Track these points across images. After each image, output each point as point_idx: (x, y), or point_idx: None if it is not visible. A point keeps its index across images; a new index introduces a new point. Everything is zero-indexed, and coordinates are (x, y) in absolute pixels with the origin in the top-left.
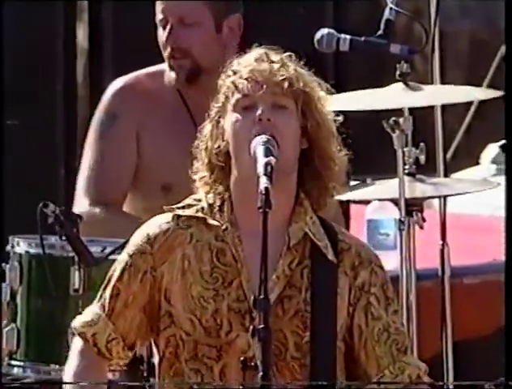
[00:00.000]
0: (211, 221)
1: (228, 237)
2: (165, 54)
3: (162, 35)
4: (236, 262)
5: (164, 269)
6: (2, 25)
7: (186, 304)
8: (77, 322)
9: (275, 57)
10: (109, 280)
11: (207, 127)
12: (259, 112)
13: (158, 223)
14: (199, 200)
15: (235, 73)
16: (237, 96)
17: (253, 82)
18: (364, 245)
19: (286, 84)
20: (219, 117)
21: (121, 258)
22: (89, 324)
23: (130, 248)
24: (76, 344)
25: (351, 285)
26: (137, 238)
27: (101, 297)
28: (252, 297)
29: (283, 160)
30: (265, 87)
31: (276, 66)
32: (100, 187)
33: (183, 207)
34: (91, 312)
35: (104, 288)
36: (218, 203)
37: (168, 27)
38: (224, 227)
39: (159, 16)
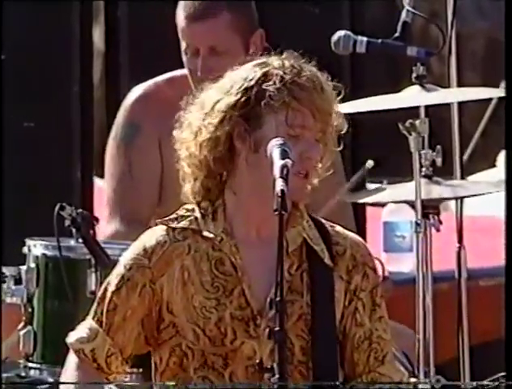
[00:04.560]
0: (205, 233)
1: (225, 247)
2: (196, 81)
3: (190, 62)
4: (236, 270)
5: (163, 281)
6: (2, 25)
7: (189, 315)
8: (72, 338)
9: (326, 86)
10: (105, 294)
11: (218, 117)
12: (309, 153)
13: (154, 236)
14: (192, 210)
15: (291, 92)
16: (291, 121)
17: (308, 112)
18: (359, 245)
19: (331, 123)
20: (248, 116)
21: (118, 272)
22: (87, 340)
23: (127, 262)
24: (72, 361)
25: (346, 289)
26: (133, 252)
27: (96, 311)
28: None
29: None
30: (317, 122)
31: (327, 102)
32: (130, 204)
33: (176, 219)
34: (85, 327)
35: (99, 303)
36: (210, 211)
37: (201, 58)
38: (219, 238)
39: (184, 44)
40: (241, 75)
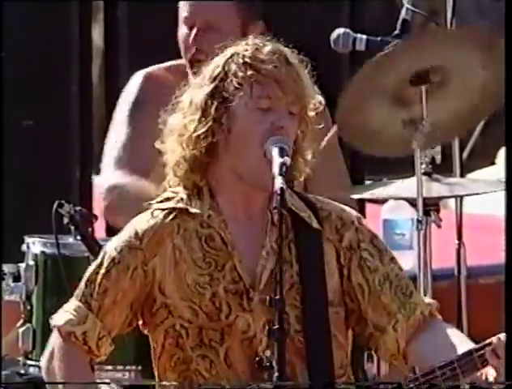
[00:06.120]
0: (192, 210)
1: (214, 223)
2: (188, 56)
3: (185, 34)
4: (226, 245)
5: (155, 262)
6: (2, 25)
7: (183, 293)
8: (60, 320)
9: (292, 58)
10: (94, 277)
11: (197, 111)
12: (281, 123)
13: (143, 219)
14: (177, 192)
15: (252, 66)
16: (258, 94)
17: (274, 84)
18: (344, 209)
19: (302, 97)
20: (221, 102)
21: (108, 255)
22: (77, 323)
23: (118, 244)
24: (58, 344)
25: (337, 248)
26: (124, 235)
27: (84, 293)
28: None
29: None
30: (286, 94)
31: (295, 73)
32: (134, 159)
33: (161, 202)
34: (72, 309)
35: (87, 285)
36: (195, 191)
37: (195, 30)
38: (207, 214)
39: (184, 14)
40: (210, 66)
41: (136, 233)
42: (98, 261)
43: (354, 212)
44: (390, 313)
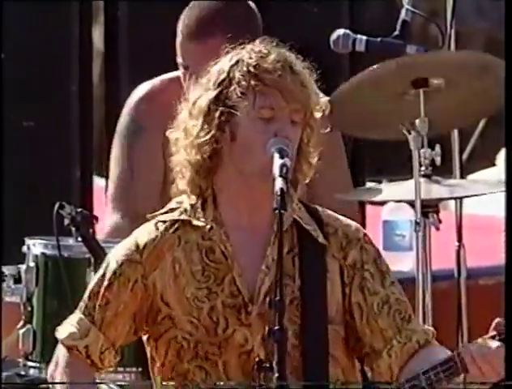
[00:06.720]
0: (195, 222)
1: (215, 235)
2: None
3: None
4: (226, 258)
5: (155, 276)
6: (2, 25)
7: (183, 306)
8: (63, 334)
9: (297, 66)
10: (96, 289)
11: (201, 116)
12: (284, 133)
13: (145, 231)
14: (181, 202)
15: (256, 76)
16: (260, 104)
17: (277, 94)
18: (351, 225)
19: (307, 105)
20: (224, 109)
21: (110, 267)
22: (79, 336)
23: (119, 257)
24: (63, 357)
25: (341, 266)
26: (125, 247)
27: (87, 306)
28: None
29: None
30: (289, 103)
31: (299, 82)
32: (130, 200)
33: (166, 213)
34: (75, 322)
35: (90, 297)
36: (200, 202)
37: (184, 71)
38: (208, 226)
39: (180, 59)
40: (216, 69)
41: (137, 246)
42: (101, 272)
43: (361, 229)
44: (386, 338)
